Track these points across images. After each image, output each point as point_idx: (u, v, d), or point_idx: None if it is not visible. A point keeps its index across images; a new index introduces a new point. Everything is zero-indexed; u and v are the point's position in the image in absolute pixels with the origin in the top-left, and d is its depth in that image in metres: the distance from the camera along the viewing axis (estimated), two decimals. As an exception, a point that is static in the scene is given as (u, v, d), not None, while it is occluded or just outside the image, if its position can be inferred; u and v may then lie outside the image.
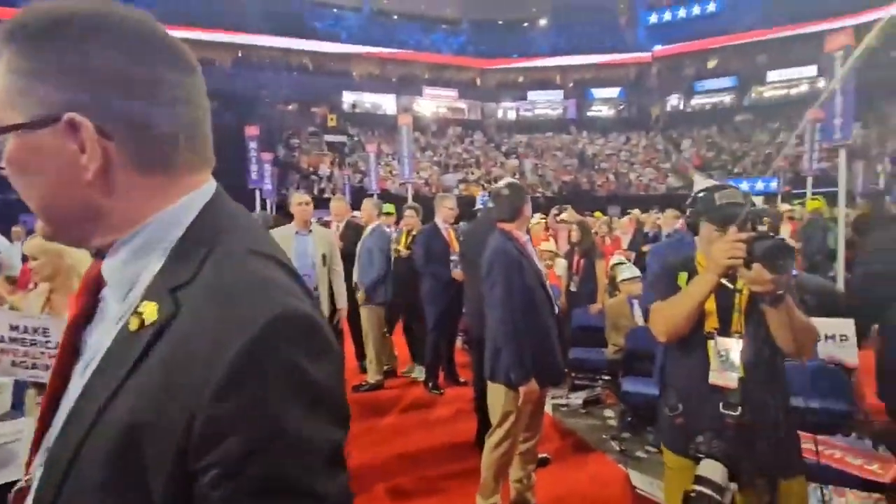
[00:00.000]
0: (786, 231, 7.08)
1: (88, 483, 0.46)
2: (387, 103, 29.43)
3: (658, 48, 29.68)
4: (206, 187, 0.57)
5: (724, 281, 1.59)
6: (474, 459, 2.71)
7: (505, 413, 2.41)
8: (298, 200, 3.64)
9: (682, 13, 30.06)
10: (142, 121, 0.51)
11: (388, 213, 5.25)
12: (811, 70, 26.05)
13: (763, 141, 24.64)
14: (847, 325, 2.87)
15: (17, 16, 0.50)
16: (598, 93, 31.15)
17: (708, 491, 1.34)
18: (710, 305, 1.52)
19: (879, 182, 15.87)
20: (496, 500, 2.49)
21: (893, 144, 19.04)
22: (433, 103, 30.44)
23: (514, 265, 2.32)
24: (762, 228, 1.33)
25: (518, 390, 2.33)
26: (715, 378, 1.49)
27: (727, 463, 1.38)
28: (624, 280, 4.18)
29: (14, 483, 0.58)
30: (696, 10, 29.69)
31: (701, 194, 1.71)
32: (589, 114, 31.01)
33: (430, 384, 4.43)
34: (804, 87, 26.57)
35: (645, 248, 5.90)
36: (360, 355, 4.81)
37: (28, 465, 0.57)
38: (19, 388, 2.18)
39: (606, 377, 4.07)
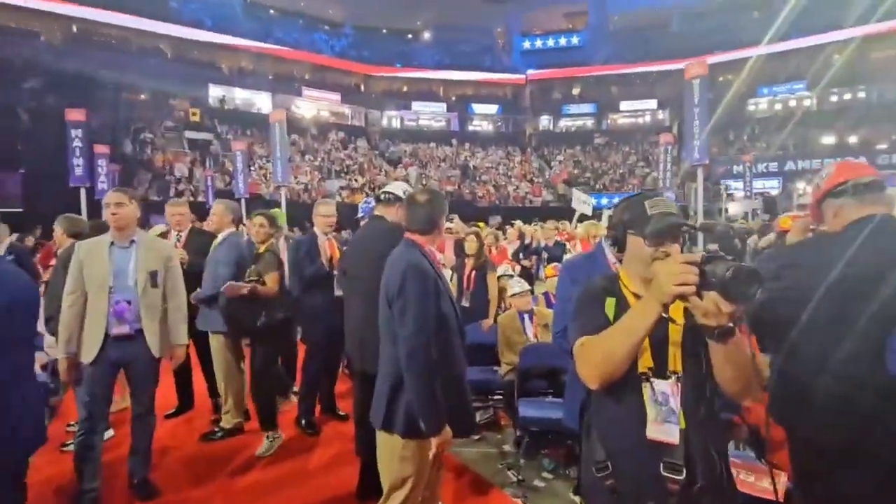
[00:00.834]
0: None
1: None
2: (262, 101, 27.23)
3: (531, 72, 32.03)
4: None
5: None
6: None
7: (403, 476, 1.92)
8: (109, 200, 2.71)
9: (550, 42, 32.94)
10: None
11: (261, 222, 4.43)
12: (652, 103, 30.55)
13: (618, 161, 27.93)
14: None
15: None
16: (479, 108, 32.57)
17: None
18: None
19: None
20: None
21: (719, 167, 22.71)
22: (314, 105, 28.97)
23: (431, 286, 1.89)
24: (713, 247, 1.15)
25: (425, 442, 1.87)
26: (653, 432, 1.23)
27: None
28: (514, 295, 4.02)
29: None
30: (563, 41, 32.82)
31: (624, 203, 1.46)
32: (470, 127, 32.24)
33: (304, 421, 3.78)
34: (648, 118, 30.97)
35: (528, 264, 5.90)
36: (215, 392, 3.95)
37: None
38: None
39: (500, 398, 3.84)
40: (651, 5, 30.02)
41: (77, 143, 8.50)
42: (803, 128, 23.61)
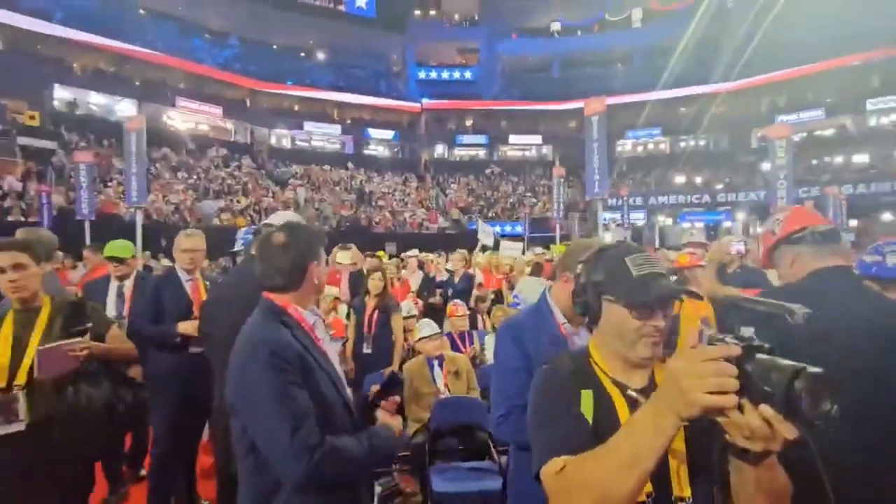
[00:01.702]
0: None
1: None
2: (126, 109, 23.90)
3: (426, 101, 32.71)
4: None
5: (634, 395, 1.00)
6: None
7: None
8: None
9: (445, 74, 34.10)
10: None
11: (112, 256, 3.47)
12: (538, 139, 32.98)
13: (508, 191, 29.42)
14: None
15: None
16: (375, 133, 32.26)
17: None
18: None
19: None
20: None
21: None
22: (191, 118, 26.23)
23: (294, 376, 1.30)
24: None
25: None
26: None
27: None
28: (422, 339, 3.58)
29: None
30: (457, 74, 34.20)
31: (594, 258, 1.11)
32: (366, 151, 31.72)
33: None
34: (534, 151, 33.33)
35: (436, 301, 5.48)
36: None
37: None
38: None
39: (406, 465, 3.32)
40: (535, 52, 32.88)
41: None
42: (661, 168, 27.19)
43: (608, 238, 23.06)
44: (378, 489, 3.29)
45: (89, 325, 1.98)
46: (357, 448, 1.34)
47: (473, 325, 4.76)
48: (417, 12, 33.60)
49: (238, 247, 3.32)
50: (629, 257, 1.05)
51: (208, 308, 2.29)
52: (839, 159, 22.60)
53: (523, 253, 8.74)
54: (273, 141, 29.18)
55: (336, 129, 31.02)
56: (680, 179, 26.29)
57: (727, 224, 22.18)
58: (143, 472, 3.35)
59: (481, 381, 3.55)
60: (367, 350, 3.80)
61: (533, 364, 1.52)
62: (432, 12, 34.19)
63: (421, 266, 7.55)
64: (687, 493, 0.92)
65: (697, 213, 23.94)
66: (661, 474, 0.92)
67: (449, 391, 3.33)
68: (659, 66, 25.56)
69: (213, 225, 17.24)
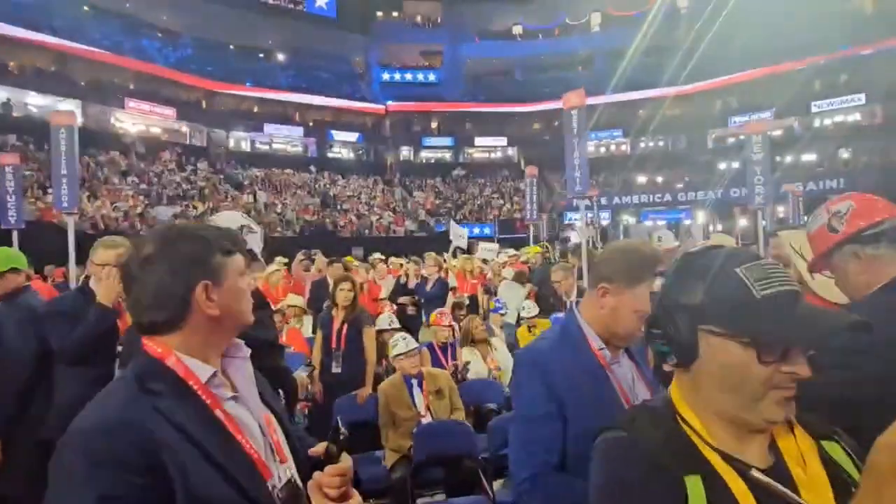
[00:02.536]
0: (508, 273, 7.62)
1: None
2: (69, 109, 22.29)
3: (391, 103, 32.24)
4: None
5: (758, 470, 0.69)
6: None
7: None
8: None
9: (409, 77, 33.74)
10: None
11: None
12: (503, 140, 33.10)
13: (475, 193, 29.33)
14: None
15: None
16: (339, 135, 31.50)
17: None
18: None
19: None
20: None
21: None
22: (142, 120, 24.81)
23: (127, 474, 0.76)
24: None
25: None
26: None
27: None
28: (398, 356, 3.23)
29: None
30: (421, 76, 33.90)
31: (687, 266, 0.77)
32: (330, 154, 30.93)
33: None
34: (499, 153, 33.43)
35: (412, 310, 5.12)
36: None
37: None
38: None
39: (385, 500, 2.94)
40: (498, 55, 33.09)
41: None
42: (624, 169, 27.81)
43: (574, 237, 23.40)
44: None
45: None
46: None
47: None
48: (379, 14, 33.14)
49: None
50: (744, 267, 0.71)
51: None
52: (789, 158, 23.68)
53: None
54: (231, 144, 28.02)
55: (298, 131, 30.07)
56: (641, 179, 26.90)
57: (687, 222, 22.82)
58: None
59: (465, 398, 3.25)
60: (335, 369, 3.40)
61: (566, 407, 1.19)
62: (394, 14, 33.80)
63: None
64: None
65: (659, 212, 24.54)
66: None
67: (431, 413, 2.99)
68: (618, 69, 26.17)
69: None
